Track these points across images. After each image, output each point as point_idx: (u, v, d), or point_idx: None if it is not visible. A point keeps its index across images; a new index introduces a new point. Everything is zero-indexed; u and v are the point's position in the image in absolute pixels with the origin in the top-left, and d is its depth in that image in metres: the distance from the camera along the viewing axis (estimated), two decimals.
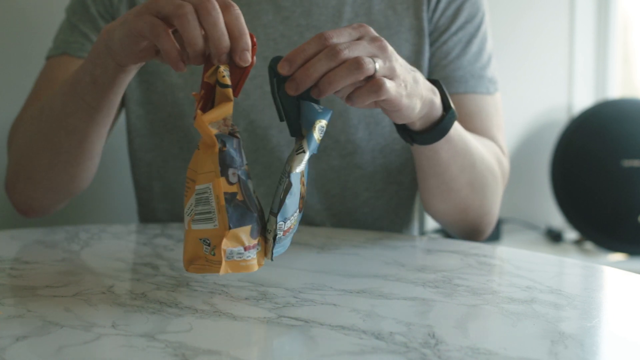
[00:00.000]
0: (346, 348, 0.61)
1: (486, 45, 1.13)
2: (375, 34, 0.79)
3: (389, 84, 0.78)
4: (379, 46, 0.78)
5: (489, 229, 1.10)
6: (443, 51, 1.10)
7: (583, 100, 2.20)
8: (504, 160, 1.11)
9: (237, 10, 0.75)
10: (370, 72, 0.76)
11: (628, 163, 1.96)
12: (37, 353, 0.60)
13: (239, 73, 0.74)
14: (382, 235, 1.03)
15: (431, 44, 1.11)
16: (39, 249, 0.93)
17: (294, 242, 0.95)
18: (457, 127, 0.95)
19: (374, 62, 0.76)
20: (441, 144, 0.93)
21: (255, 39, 0.75)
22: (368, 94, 0.77)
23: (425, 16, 1.10)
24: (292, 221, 0.74)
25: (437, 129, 0.90)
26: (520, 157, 2.14)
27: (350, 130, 1.08)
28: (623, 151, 1.97)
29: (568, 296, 0.77)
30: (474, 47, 1.11)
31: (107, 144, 1.04)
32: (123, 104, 1.13)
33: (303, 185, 0.76)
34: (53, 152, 0.97)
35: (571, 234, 2.12)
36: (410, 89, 0.82)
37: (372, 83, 0.77)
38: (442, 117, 0.90)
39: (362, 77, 0.76)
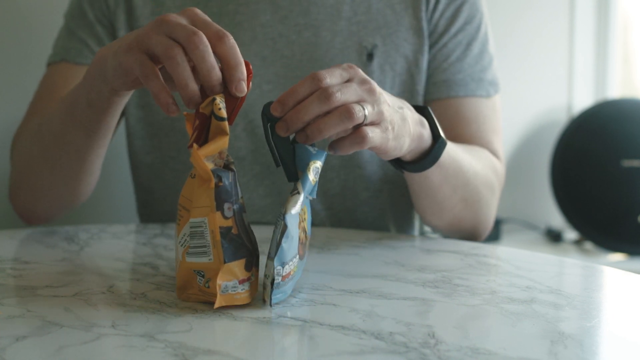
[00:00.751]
0: (346, 348, 0.61)
1: (487, 46, 1.13)
2: (365, 75, 0.79)
3: (373, 133, 0.77)
4: (368, 89, 0.77)
5: (485, 234, 1.11)
6: (444, 54, 1.11)
7: (583, 100, 2.21)
8: (499, 166, 1.12)
9: (231, 40, 0.73)
10: (360, 120, 0.75)
11: (628, 163, 1.96)
12: (36, 353, 0.60)
13: (234, 102, 0.73)
14: (381, 235, 1.03)
15: (431, 46, 1.11)
16: (38, 248, 0.93)
17: None
18: (448, 150, 0.94)
19: (364, 110, 0.76)
20: (432, 169, 0.92)
21: (251, 67, 0.73)
22: (351, 145, 0.77)
23: (424, 16, 1.10)
24: (292, 267, 0.72)
25: (427, 158, 0.90)
26: (520, 158, 2.14)
27: None
28: (623, 151, 1.97)
29: (568, 296, 0.77)
30: (474, 49, 1.11)
31: None
32: (122, 111, 1.13)
33: (304, 231, 0.74)
34: (53, 169, 0.98)
35: (571, 234, 2.12)
36: (398, 130, 0.81)
37: (356, 135, 0.76)
38: (432, 146, 0.90)
39: (351, 126, 0.75)
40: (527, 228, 2.12)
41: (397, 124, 0.81)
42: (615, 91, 2.25)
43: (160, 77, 0.74)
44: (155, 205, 1.15)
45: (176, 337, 0.63)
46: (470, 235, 1.08)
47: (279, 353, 0.63)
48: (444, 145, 0.90)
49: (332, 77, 0.76)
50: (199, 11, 0.76)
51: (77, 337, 0.62)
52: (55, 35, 1.16)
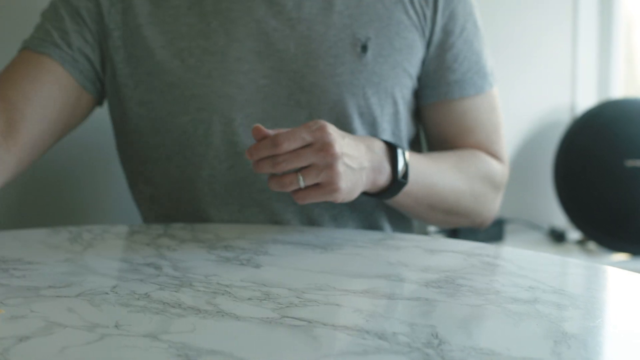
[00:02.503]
0: (349, 348, 0.61)
1: (483, 38, 1.16)
2: (329, 139, 0.89)
3: (309, 197, 0.91)
4: (324, 155, 0.89)
5: (487, 224, 1.16)
6: (453, 54, 1.12)
7: (586, 100, 2.20)
8: (498, 167, 1.14)
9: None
10: (294, 188, 0.90)
11: (631, 163, 1.95)
12: (40, 353, 0.60)
13: None
14: (385, 236, 1.03)
15: (438, 47, 1.12)
16: (42, 249, 0.93)
17: (296, 243, 0.96)
18: (416, 179, 1.01)
19: (300, 181, 0.90)
20: (399, 196, 1.01)
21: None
22: (296, 200, 0.92)
23: (414, 13, 1.11)
24: None
25: (385, 194, 0.99)
26: (523, 158, 2.13)
27: (347, 121, 1.08)
28: (626, 151, 1.96)
29: (571, 296, 0.77)
30: (476, 45, 1.14)
31: (107, 145, 1.04)
32: (123, 110, 1.13)
33: None
34: None
35: (574, 234, 2.11)
36: (351, 187, 0.93)
37: (296, 195, 0.91)
38: (391, 184, 0.99)
39: (287, 191, 0.91)
40: (530, 228, 2.12)
41: (350, 182, 0.92)
42: (618, 91, 2.24)
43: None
44: (162, 202, 1.15)
45: (179, 337, 0.63)
46: (471, 228, 1.15)
47: (283, 353, 0.63)
48: (401, 186, 0.99)
49: (290, 143, 0.88)
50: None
51: (81, 337, 0.62)
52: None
